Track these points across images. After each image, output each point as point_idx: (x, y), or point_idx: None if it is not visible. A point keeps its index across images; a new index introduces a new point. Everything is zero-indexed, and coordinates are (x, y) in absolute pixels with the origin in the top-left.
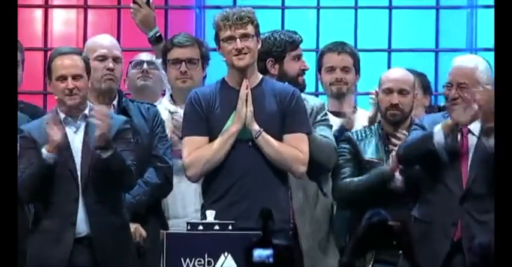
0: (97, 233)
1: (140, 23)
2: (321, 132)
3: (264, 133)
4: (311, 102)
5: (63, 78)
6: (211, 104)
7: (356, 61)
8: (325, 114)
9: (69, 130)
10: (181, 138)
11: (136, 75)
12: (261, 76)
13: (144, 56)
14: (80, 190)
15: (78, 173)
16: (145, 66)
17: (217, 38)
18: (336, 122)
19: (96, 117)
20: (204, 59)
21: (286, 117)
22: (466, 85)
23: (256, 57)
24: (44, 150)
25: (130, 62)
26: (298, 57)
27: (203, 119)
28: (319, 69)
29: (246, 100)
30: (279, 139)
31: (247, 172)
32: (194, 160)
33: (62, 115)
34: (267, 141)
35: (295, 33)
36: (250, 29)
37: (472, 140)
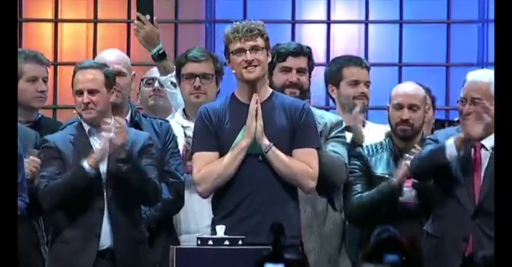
0: (120, 247)
1: (143, 39)
2: (333, 148)
3: (273, 148)
4: (327, 117)
5: (80, 92)
6: (221, 119)
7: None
8: (341, 131)
9: (94, 142)
10: (192, 153)
11: (148, 94)
12: (271, 90)
13: (156, 72)
14: (106, 201)
15: (104, 184)
16: (156, 84)
17: (226, 52)
18: (348, 137)
19: (113, 129)
20: (218, 74)
21: (296, 131)
22: (481, 100)
23: (266, 70)
24: (85, 163)
25: (142, 79)
26: (286, 69)
27: (213, 134)
28: (334, 82)
29: (256, 115)
30: (289, 153)
31: (257, 187)
32: (205, 176)
33: (87, 127)
34: (277, 156)
35: (298, 45)
36: (260, 42)
37: (485, 155)
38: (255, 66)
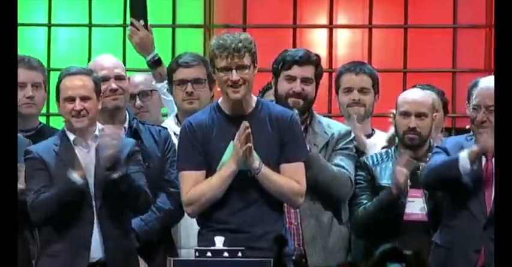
0: (111, 258)
1: (137, 46)
2: (339, 161)
3: (263, 169)
4: (334, 128)
5: (71, 99)
6: (208, 133)
7: (375, 82)
8: (350, 141)
9: (80, 151)
10: (178, 171)
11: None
12: (255, 99)
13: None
14: (95, 213)
15: (93, 195)
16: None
17: (212, 63)
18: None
19: (106, 137)
20: (211, 78)
21: (284, 144)
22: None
23: (252, 86)
24: (74, 175)
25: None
26: (291, 78)
27: (199, 151)
28: (336, 90)
29: (246, 141)
30: (277, 167)
31: (246, 202)
32: (194, 198)
33: (72, 136)
34: (267, 177)
35: (305, 53)
36: (247, 60)
37: None
38: (241, 85)
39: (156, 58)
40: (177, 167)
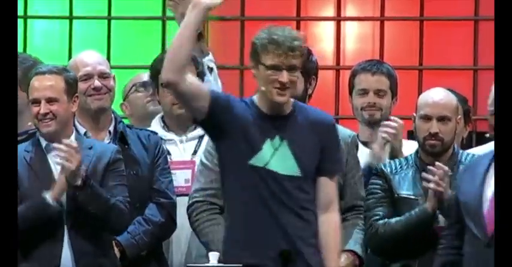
0: None
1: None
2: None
3: None
4: (339, 134)
5: (37, 102)
6: (246, 124)
7: (393, 83)
8: (355, 149)
9: (54, 159)
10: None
11: (143, 99)
12: (292, 101)
13: (147, 76)
14: (66, 230)
15: (64, 211)
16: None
17: (256, 57)
18: (367, 154)
19: (61, 153)
20: (200, 78)
21: (323, 152)
22: None
23: (296, 88)
24: (48, 196)
25: (133, 85)
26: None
27: (230, 109)
28: (350, 91)
29: None
30: (315, 171)
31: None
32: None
33: (44, 142)
34: None
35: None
36: (297, 61)
37: None
38: (288, 87)
39: (199, 31)
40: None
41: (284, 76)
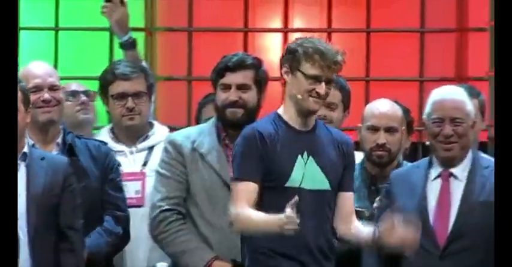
0: None
1: (116, 24)
2: None
3: None
4: None
5: None
6: (275, 145)
7: (345, 96)
8: None
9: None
10: (235, 179)
11: (73, 108)
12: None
13: (77, 86)
14: (28, 250)
15: (25, 230)
16: (83, 97)
17: (294, 62)
18: None
19: None
20: (151, 90)
21: (345, 169)
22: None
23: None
24: None
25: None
26: (225, 87)
27: (265, 162)
28: None
29: None
30: (339, 186)
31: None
32: (241, 222)
33: None
34: None
35: (239, 58)
36: (334, 76)
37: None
38: (324, 99)
39: (131, 40)
40: (235, 176)
41: (322, 88)
